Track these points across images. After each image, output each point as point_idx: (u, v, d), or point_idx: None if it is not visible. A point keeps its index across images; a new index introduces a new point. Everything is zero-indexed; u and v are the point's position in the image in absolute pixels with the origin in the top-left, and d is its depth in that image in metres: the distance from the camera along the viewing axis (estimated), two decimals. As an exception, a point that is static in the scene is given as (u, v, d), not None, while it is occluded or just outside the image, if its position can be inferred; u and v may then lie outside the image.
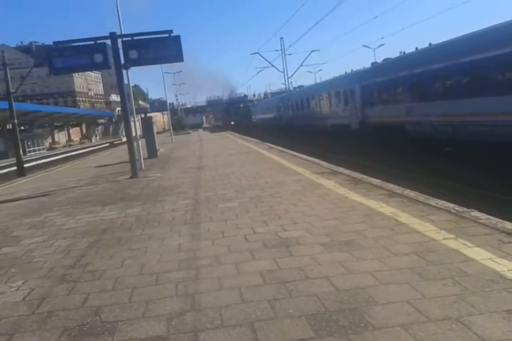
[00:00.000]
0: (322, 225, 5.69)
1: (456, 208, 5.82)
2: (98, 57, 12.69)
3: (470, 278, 3.61)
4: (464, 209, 5.75)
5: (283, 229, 5.66)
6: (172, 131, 43.33)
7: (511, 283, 3.42)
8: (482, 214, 5.42)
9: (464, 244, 4.39)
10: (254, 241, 5.25)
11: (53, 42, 13.32)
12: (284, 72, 47.76)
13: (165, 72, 47.52)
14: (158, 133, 24.87)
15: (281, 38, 47.78)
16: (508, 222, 4.94)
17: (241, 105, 63.35)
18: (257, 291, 3.76)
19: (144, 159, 16.37)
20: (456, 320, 2.95)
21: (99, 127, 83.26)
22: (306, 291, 3.66)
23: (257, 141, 27.16)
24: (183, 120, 75.68)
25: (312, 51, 48.21)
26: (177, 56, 13.09)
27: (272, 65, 47.55)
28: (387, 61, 21.29)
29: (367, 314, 3.17)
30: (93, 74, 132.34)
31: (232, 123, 58.07)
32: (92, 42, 12.88)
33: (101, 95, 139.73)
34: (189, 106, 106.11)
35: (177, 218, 7.02)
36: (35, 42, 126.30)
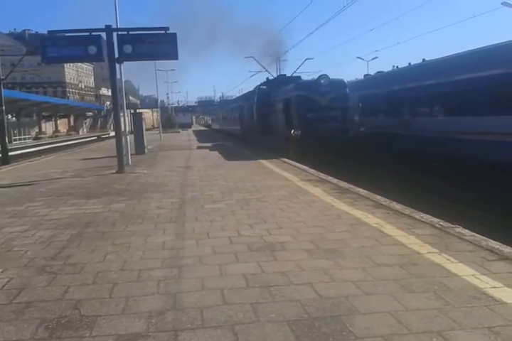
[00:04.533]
0: (307, 232, 5.68)
1: (441, 223, 5.86)
2: (92, 49, 12.61)
3: (452, 293, 3.63)
4: (449, 224, 5.79)
5: (268, 233, 5.65)
6: (161, 128, 43.16)
7: (493, 300, 3.45)
8: (466, 230, 5.46)
9: (448, 259, 4.42)
10: (238, 244, 5.23)
11: (48, 31, 13.25)
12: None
13: (158, 70, 47.23)
14: (146, 130, 24.68)
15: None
16: (492, 240, 4.98)
17: (322, 81, 16.83)
18: (239, 294, 3.74)
19: (131, 155, 16.25)
20: (437, 334, 2.97)
21: (88, 120, 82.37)
22: (289, 296, 3.65)
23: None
24: (172, 118, 75.10)
25: (306, 59, 48.22)
26: (172, 53, 13.07)
27: (266, 70, 47.27)
28: (379, 74, 21.44)
29: (349, 323, 3.17)
30: (85, 66, 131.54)
31: (295, 132, 16.24)
32: (87, 33, 12.82)
33: (91, 88, 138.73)
34: (179, 105, 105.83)
35: (162, 216, 6.97)
36: (28, 30, 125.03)
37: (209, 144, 26.48)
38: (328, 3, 53.66)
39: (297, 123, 16.73)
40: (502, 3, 29.96)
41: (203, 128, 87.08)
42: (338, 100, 16.61)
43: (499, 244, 4.85)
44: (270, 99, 21.28)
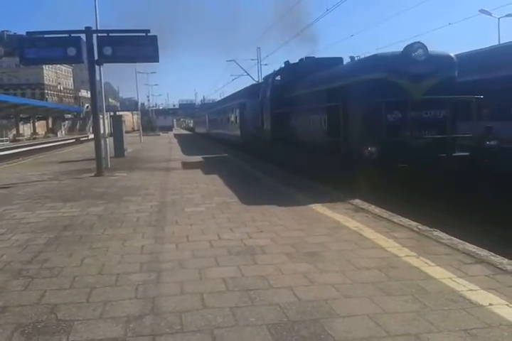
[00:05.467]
0: (287, 235, 5.69)
1: (419, 227, 5.92)
2: (71, 51, 12.50)
3: (430, 295, 3.66)
4: (427, 228, 5.85)
5: (248, 237, 5.64)
6: (141, 131, 42.89)
7: (470, 303, 3.49)
8: (444, 234, 5.53)
9: (426, 263, 4.46)
10: (219, 248, 5.21)
11: (26, 32, 13.09)
12: (258, 81, 47.80)
13: (138, 72, 47.00)
14: (126, 132, 24.44)
15: (259, 47, 47.57)
16: (468, 244, 5.05)
17: (414, 53, 8.68)
18: (219, 298, 3.72)
19: (110, 158, 16.10)
20: (415, 337, 2.98)
21: (66, 122, 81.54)
22: (268, 300, 3.64)
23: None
24: (153, 121, 74.72)
25: (286, 60, 48.53)
26: (152, 56, 13.04)
27: (247, 74, 47.40)
28: None
29: (328, 326, 3.17)
30: (64, 67, 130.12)
31: (370, 149, 8.29)
32: (67, 35, 12.70)
33: (70, 90, 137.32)
34: (160, 107, 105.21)
35: (141, 219, 6.91)
36: (7, 31, 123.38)
37: (199, 158, 18.61)
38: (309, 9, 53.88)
39: (371, 134, 8.81)
40: (479, 11, 30.62)
41: (185, 131, 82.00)
42: (446, 89, 8.80)
43: (476, 247, 4.91)
44: (297, 92, 13.55)
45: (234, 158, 18.53)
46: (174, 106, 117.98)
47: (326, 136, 10.93)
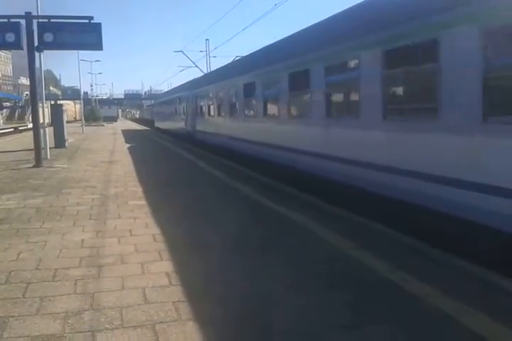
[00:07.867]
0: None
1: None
2: (10, 37, 11.98)
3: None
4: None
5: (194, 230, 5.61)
6: (84, 121, 41.54)
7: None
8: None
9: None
10: (163, 241, 5.14)
11: (-39, 17, 12.35)
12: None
13: (81, 60, 45.51)
14: (68, 122, 23.63)
15: (207, 39, 47.30)
16: None
17: None
18: (161, 292, 3.68)
19: (50, 148, 15.52)
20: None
21: (4, 111, 77.95)
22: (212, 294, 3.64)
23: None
24: (96, 111, 72.53)
25: (236, 56, 48.10)
26: (96, 44, 12.71)
27: (196, 66, 46.61)
28: None
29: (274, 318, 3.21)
30: (3, 54, 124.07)
31: None
32: (5, 20, 12.12)
33: (9, 77, 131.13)
34: (105, 97, 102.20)
35: (82, 213, 6.72)
36: None
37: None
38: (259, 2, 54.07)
39: None
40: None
41: (134, 125, 62.78)
42: None
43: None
44: None
45: None
46: (112, 95, 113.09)
47: None
